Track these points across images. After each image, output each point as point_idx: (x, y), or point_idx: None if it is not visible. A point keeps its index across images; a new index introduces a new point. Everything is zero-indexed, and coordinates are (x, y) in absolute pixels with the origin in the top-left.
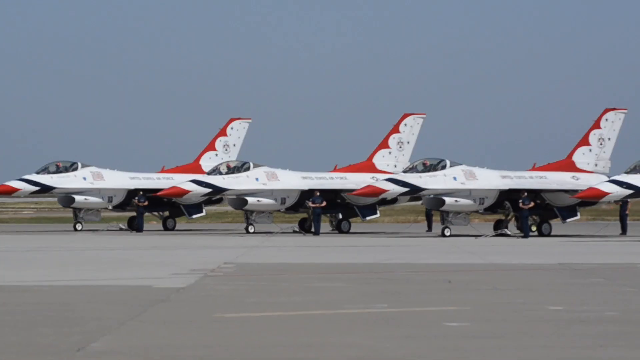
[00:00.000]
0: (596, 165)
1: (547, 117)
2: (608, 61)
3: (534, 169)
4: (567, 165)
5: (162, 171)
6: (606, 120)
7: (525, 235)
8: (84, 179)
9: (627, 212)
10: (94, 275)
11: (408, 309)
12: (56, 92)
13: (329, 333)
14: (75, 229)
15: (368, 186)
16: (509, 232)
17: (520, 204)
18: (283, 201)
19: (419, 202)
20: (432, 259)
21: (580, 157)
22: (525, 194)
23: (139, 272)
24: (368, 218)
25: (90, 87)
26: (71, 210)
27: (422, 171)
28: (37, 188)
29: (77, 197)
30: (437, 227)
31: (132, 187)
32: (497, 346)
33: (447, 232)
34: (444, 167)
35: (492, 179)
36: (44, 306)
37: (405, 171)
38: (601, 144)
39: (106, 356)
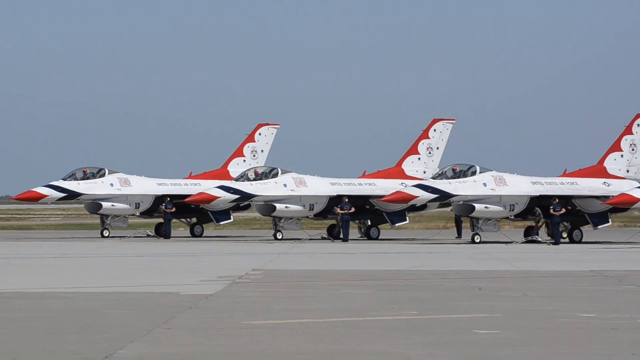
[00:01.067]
0: (628, 171)
1: (578, 122)
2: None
3: (564, 175)
4: (599, 171)
5: (190, 177)
6: (638, 125)
7: (556, 242)
8: (111, 185)
9: None
10: (121, 282)
11: (438, 316)
12: (84, 99)
13: (358, 340)
14: (102, 236)
15: (397, 192)
16: (540, 239)
17: (551, 211)
18: (311, 207)
19: (449, 209)
20: (462, 265)
21: (612, 163)
22: (556, 200)
23: (167, 279)
24: (397, 224)
25: (118, 93)
26: (98, 217)
27: (452, 177)
28: (64, 194)
29: (104, 204)
30: (466, 233)
31: (160, 193)
32: (528, 353)
33: (477, 238)
34: (473, 173)
35: (522, 185)
36: (71, 313)
37: (434, 177)
38: (633, 150)
39: None
